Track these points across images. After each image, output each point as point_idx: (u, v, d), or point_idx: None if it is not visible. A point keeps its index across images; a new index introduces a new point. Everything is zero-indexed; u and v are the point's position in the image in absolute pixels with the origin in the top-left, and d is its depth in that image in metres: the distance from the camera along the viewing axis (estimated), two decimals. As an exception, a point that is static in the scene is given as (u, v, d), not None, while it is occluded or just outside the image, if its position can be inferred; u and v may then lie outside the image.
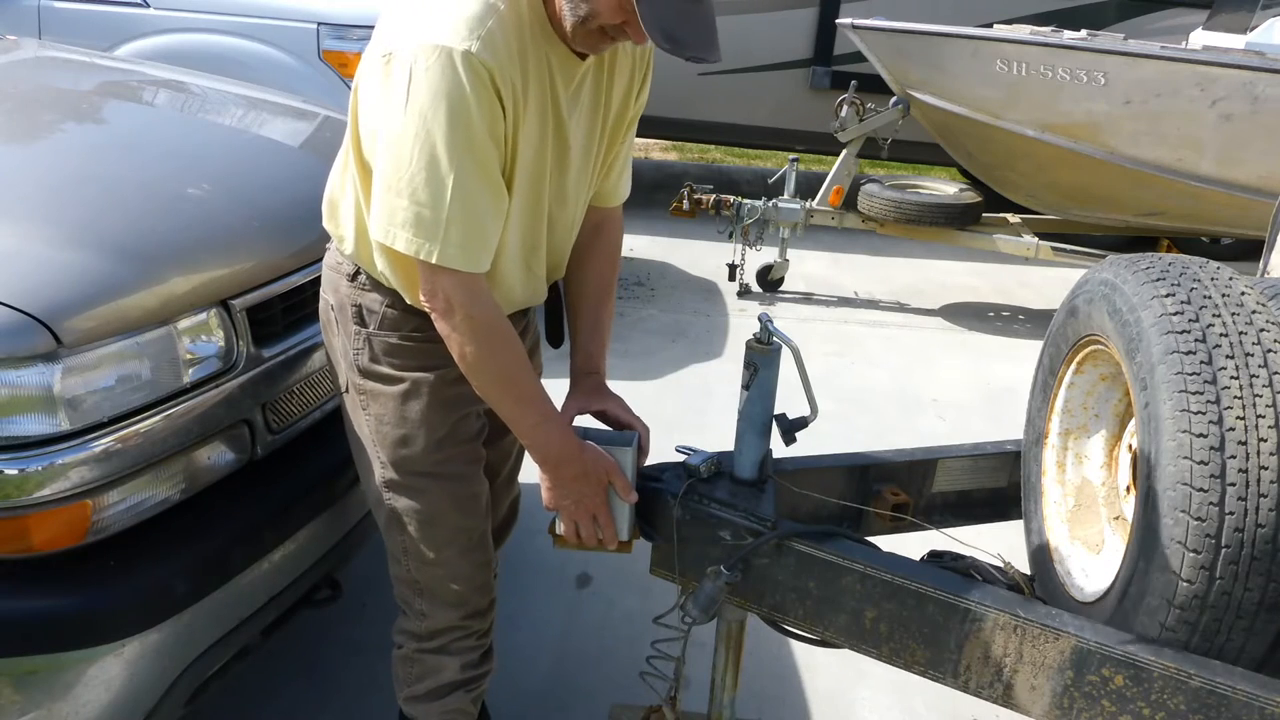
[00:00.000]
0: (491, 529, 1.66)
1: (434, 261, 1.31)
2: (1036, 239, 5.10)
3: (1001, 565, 1.52)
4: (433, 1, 1.29)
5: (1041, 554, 1.72)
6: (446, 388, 1.49)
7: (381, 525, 1.59)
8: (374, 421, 1.52)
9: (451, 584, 1.58)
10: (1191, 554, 1.25)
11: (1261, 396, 1.26)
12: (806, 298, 5.34)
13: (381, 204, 1.32)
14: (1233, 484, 1.23)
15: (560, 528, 1.54)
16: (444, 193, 1.28)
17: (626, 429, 1.57)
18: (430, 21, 1.26)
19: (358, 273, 1.49)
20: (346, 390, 1.56)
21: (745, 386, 1.51)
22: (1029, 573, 1.66)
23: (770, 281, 5.30)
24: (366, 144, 1.37)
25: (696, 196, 5.03)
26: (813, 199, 5.18)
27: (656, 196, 6.28)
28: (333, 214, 1.52)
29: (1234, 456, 1.24)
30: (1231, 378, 1.27)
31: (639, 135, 1.70)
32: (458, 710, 1.66)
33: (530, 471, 1.64)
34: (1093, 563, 1.63)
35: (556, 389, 1.65)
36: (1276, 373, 1.28)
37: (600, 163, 1.56)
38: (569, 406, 1.60)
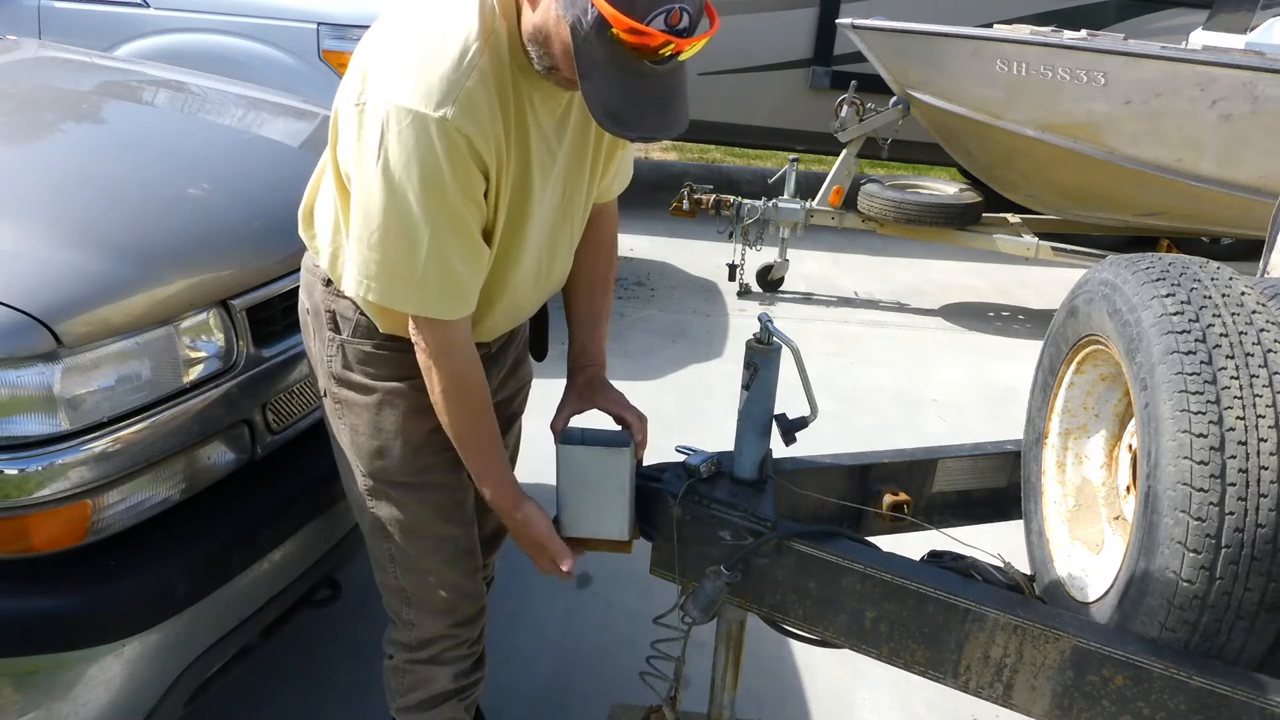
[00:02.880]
0: (483, 536, 1.65)
1: (410, 311, 1.32)
2: (1036, 239, 5.10)
3: (1001, 565, 1.52)
4: (410, 46, 1.24)
5: (1041, 554, 1.72)
6: (422, 397, 1.46)
7: (366, 533, 1.58)
8: (350, 431, 1.51)
9: (439, 592, 1.56)
10: (1191, 554, 1.25)
11: (1261, 396, 1.26)
12: (806, 298, 5.34)
13: (355, 256, 1.31)
14: (1233, 484, 1.23)
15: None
16: (418, 253, 1.27)
17: (623, 424, 1.57)
18: (406, 75, 1.21)
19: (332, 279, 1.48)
20: (325, 396, 1.54)
21: (745, 386, 1.51)
22: (1029, 573, 1.66)
23: (770, 281, 5.30)
24: (344, 170, 1.34)
25: (696, 196, 5.03)
26: (813, 199, 5.18)
27: (656, 196, 6.28)
28: (308, 223, 1.50)
29: (1234, 456, 1.24)
30: (1231, 378, 1.27)
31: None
32: (451, 719, 1.65)
33: (525, 473, 1.64)
34: (1093, 563, 1.63)
35: (555, 388, 1.65)
36: (1276, 373, 1.28)
37: (600, 173, 1.54)
38: (565, 405, 1.60)
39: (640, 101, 1.20)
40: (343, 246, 1.41)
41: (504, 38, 1.26)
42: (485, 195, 1.31)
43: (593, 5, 1.12)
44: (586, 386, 1.61)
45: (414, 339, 1.37)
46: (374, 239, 1.27)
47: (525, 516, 1.47)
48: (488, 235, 1.36)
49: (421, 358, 1.38)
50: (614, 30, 1.12)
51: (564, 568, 1.51)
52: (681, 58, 1.18)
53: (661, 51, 1.15)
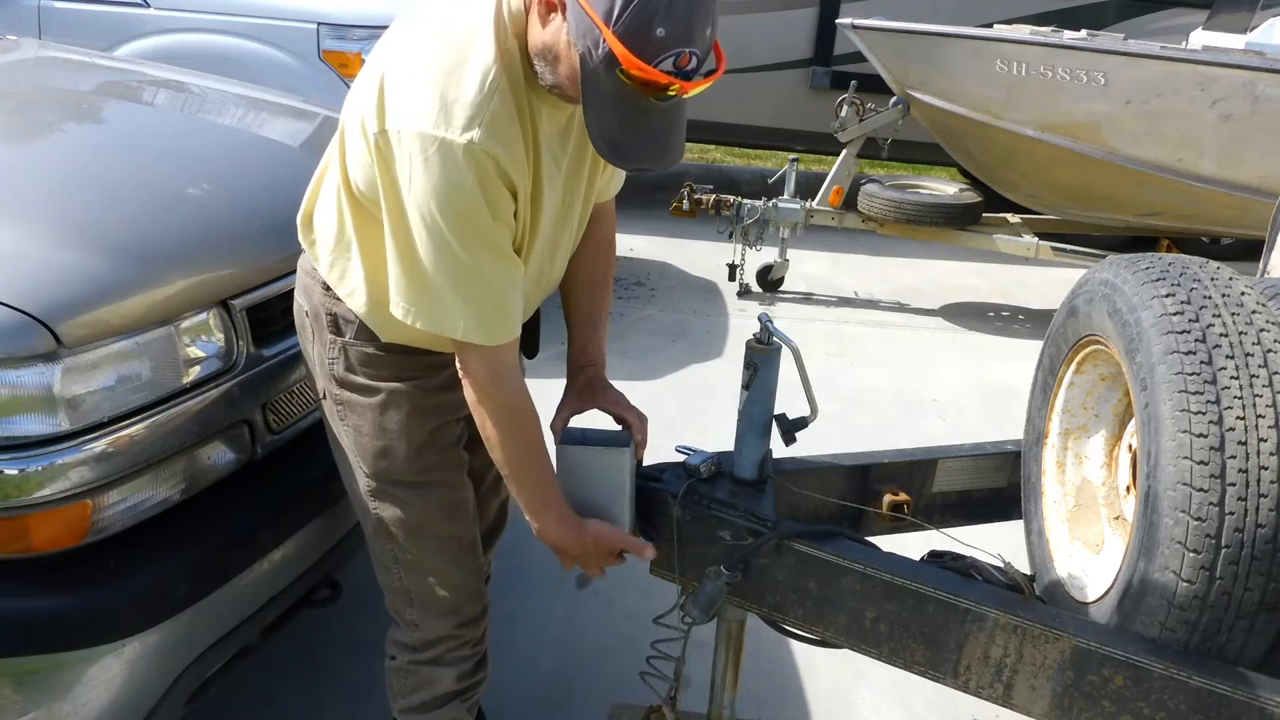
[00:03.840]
0: (480, 534, 1.66)
1: (458, 338, 1.32)
2: (1036, 239, 5.10)
3: (1001, 565, 1.52)
4: (429, 70, 1.22)
5: (1041, 554, 1.72)
6: (425, 397, 1.48)
7: (368, 534, 1.58)
8: (353, 433, 1.51)
9: (443, 592, 1.57)
10: (1191, 554, 1.25)
11: (1261, 396, 1.26)
12: (806, 298, 5.34)
13: (397, 283, 1.31)
14: (1233, 484, 1.23)
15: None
16: (458, 278, 1.27)
17: (623, 424, 1.57)
18: (428, 101, 1.20)
19: None
20: (324, 398, 1.54)
21: (745, 386, 1.51)
22: (1029, 573, 1.66)
23: (770, 281, 5.30)
24: (356, 186, 1.34)
25: (696, 196, 5.03)
26: (813, 199, 5.18)
27: (656, 196, 6.28)
28: (308, 228, 1.50)
29: (1234, 456, 1.24)
30: (1231, 378, 1.27)
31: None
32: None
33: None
34: (1093, 563, 1.64)
35: (555, 388, 1.65)
36: (1276, 373, 1.28)
37: (598, 177, 1.55)
38: (565, 405, 1.60)
39: (640, 134, 1.22)
40: (343, 257, 1.42)
41: (516, 55, 1.27)
42: (515, 214, 1.32)
43: (605, 41, 1.13)
44: (586, 387, 1.61)
45: (461, 373, 1.37)
46: (413, 267, 1.28)
47: (595, 536, 1.47)
48: (516, 251, 1.36)
49: (470, 392, 1.37)
50: (623, 68, 1.14)
51: (648, 554, 1.50)
52: (685, 97, 1.20)
53: (667, 90, 1.17)
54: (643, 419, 1.57)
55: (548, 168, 1.36)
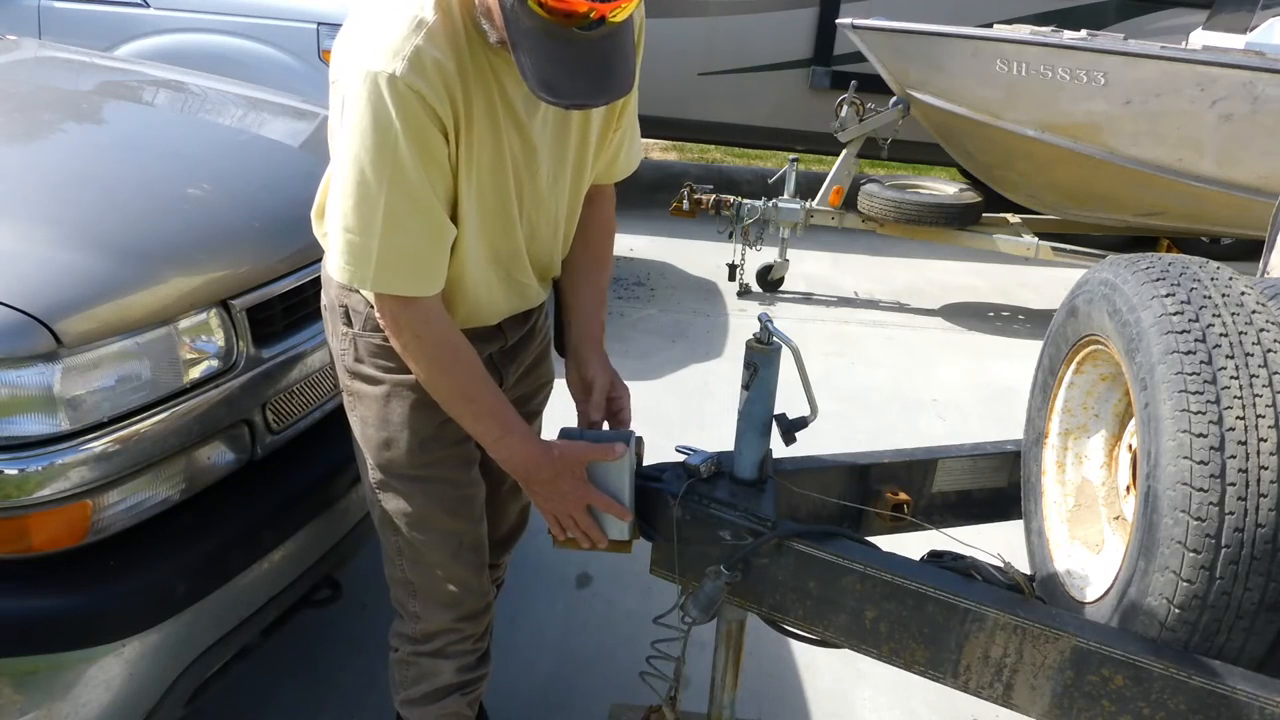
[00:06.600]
0: (499, 536, 1.65)
1: (368, 290, 1.33)
2: (1036, 239, 5.10)
3: (1001, 565, 1.52)
4: (369, 22, 1.27)
5: (1041, 554, 1.72)
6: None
7: (376, 525, 1.59)
8: (360, 423, 1.53)
9: (445, 586, 1.57)
10: (1191, 554, 1.25)
11: (1261, 396, 1.26)
12: (806, 298, 5.34)
13: (332, 236, 1.33)
14: (1233, 484, 1.23)
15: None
16: (373, 221, 1.27)
17: (590, 387, 1.57)
18: (362, 45, 1.25)
19: None
20: (343, 390, 1.56)
21: (745, 386, 1.51)
22: (1029, 573, 1.66)
23: (770, 281, 5.30)
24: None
25: (696, 196, 5.03)
26: (813, 199, 5.18)
27: (656, 196, 6.28)
28: (320, 223, 1.52)
29: (1234, 456, 1.24)
30: (1231, 378, 1.27)
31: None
32: (454, 714, 1.65)
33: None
34: (1093, 563, 1.64)
35: (555, 389, 1.65)
36: (1276, 373, 1.28)
37: (594, 154, 1.54)
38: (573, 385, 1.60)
39: (572, 69, 1.19)
40: None
41: (457, 10, 1.27)
42: (450, 155, 1.31)
43: None
44: (585, 361, 1.61)
45: (381, 324, 1.38)
46: (338, 211, 1.29)
47: (561, 450, 1.44)
48: (454, 205, 1.36)
49: (394, 340, 1.38)
50: None
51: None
52: (611, 22, 1.17)
53: (589, 17, 1.14)
54: (625, 389, 1.58)
55: (509, 129, 1.35)
